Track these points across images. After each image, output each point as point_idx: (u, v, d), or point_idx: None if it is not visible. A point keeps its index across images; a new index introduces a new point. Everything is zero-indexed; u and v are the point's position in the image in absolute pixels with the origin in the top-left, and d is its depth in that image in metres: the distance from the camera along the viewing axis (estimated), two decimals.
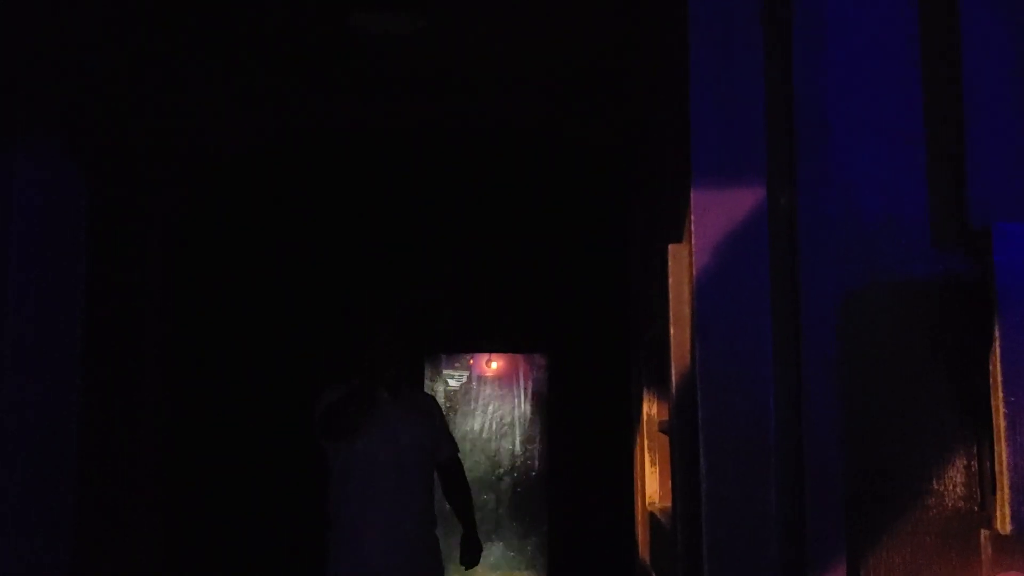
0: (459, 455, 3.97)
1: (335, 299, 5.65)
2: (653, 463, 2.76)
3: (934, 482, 1.86)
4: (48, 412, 2.36)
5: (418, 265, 6.02)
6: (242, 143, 3.85)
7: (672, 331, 2.04)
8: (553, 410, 7.33)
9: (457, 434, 9.67)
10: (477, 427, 9.82)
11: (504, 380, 10.39)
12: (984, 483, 1.85)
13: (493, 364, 10.45)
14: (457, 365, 10.29)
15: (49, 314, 2.40)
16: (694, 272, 1.92)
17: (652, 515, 2.70)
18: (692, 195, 1.93)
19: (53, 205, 2.43)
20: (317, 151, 5.11)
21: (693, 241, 1.91)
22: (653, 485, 2.75)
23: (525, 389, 10.16)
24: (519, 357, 9.91)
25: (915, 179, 1.94)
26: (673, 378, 2.04)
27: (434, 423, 3.91)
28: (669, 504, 2.62)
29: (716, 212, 1.92)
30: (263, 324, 5.49)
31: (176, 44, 3.26)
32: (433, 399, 4.19)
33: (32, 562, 2.24)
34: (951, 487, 1.86)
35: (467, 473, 4.07)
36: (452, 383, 10.19)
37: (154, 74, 3.16)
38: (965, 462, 1.87)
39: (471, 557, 3.87)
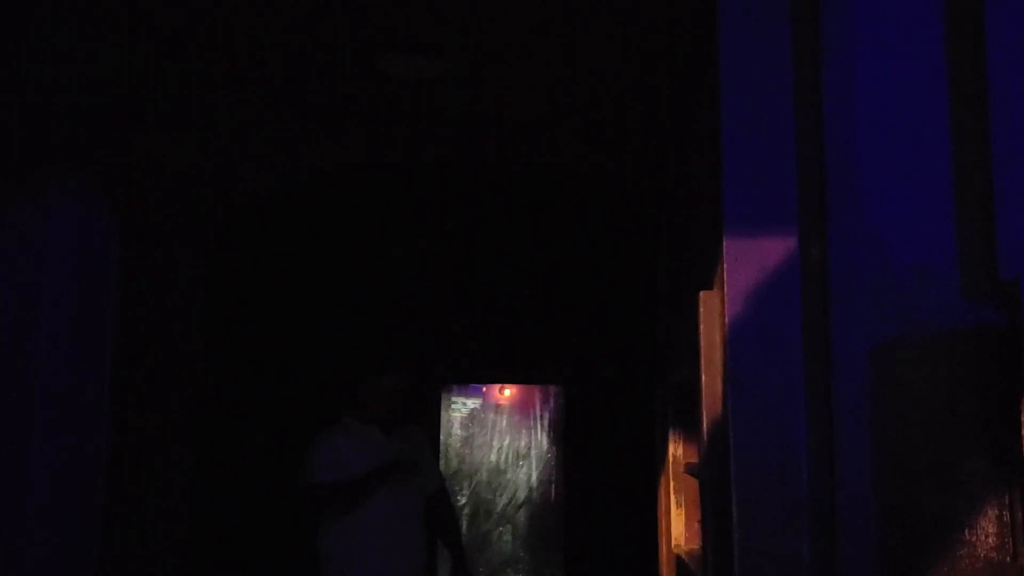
0: (446, 486, 4.01)
1: (357, 330, 5.69)
2: (679, 504, 2.76)
3: (966, 532, 1.86)
4: (76, 465, 2.41)
5: (439, 295, 6.07)
6: (265, 181, 3.91)
7: (703, 377, 2.06)
8: (570, 443, 7.31)
9: (471, 463, 9.65)
10: (493, 457, 9.81)
11: (519, 409, 10.39)
12: (1016, 533, 1.85)
13: (506, 392, 10.47)
14: (469, 391, 10.30)
15: (79, 361, 2.45)
16: (726, 320, 1.94)
17: (679, 558, 2.71)
18: (724, 244, 1.96)
19: (85, 248, 2.47)
20: (340, 188, 5.17)
21: (726, 289, 1.93)
22: (679, 527, 2.75)
23: (541, 419, 10.16)
24: (533, 386, 9.91)
25: (944, 230, 1.95)
26: (704, 424, 2.06)
27: (425, 456, 3.95)
28: (696, 547, 2.63)
29: (748, 261, 1.94)
30: (286, 352, 5.54)
31: (208, 85, 3.31)
32: (423, 431, 4.18)
33: (65, 556, 2.30)
34: (983, 537, 1.86)
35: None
36: (465, 408, 10.20)
37: (182, 115, 3.21)
38: (997, 512, 1.87)
39: None
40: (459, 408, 10.07)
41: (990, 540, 1.86)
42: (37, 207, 2.25)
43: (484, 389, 10.72)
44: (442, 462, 8.29)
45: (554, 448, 9.49)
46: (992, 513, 1.86)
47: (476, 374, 7.91)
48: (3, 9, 2.12)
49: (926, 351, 1.90)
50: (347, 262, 5.84)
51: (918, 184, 1.95)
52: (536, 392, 10.28)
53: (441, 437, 8.08)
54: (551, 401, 9.86)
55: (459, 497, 8.87)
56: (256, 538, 5.18)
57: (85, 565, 2.43)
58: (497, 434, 9.91)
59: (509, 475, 9.59)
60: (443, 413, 8.47)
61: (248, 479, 5.10)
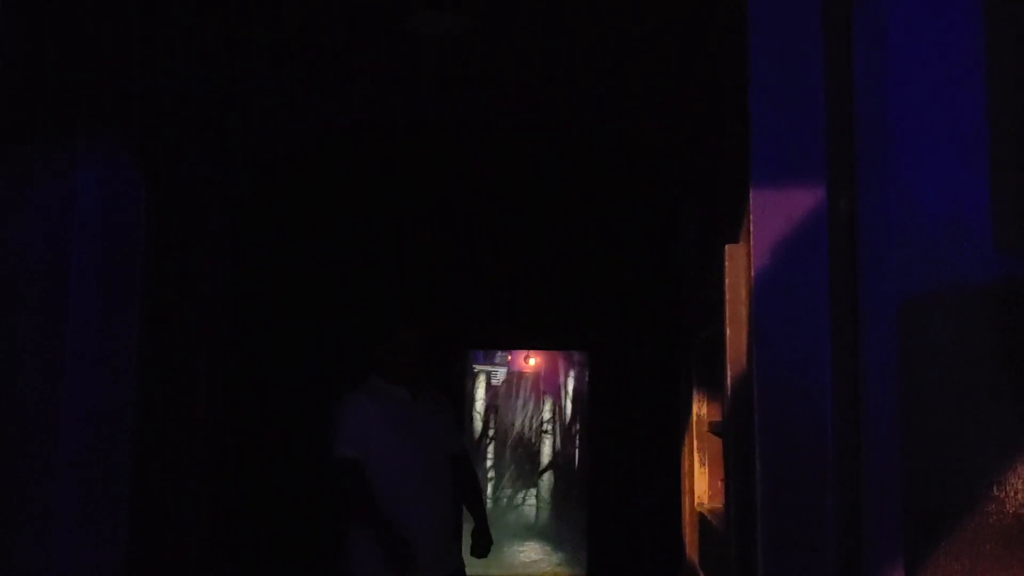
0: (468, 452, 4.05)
1: (380, 295, 5.69)
2: (703, 464, 2.74)
3: (995, 489, 1.83)
4: (106, 414, 2.40)
5: (462, 258, 6.05)
6: (289, 140, 3.89)
7: (728, 332, 2.03)
8: (594, 408, 7.31)
9: (497, 429, 9.67)
10: (518, 423, 9.84)
11: (543, 377, 10.41)
12: None
13: (531, 360, 10.50)
14: (496, 361, 10.35)
15: (108, 312, 2.44)
16: (752, 273, 1.91)
17: (702, 516, 2.69)
18: (751, 195, 1.92)
19: (113, 201, 2.47)
20: (361, 148, 5.15)
21: (752, 242, 1.90)
22: (702, 486, 2.74)
23: (565, 386, 10.17)
24: (558, 353, 9.92)
25: (977, 182, 1.91)
26: (728, 380, 2.03)
27: (448, 418, 3.99)
28: (719, 505, 2.62)
29: (775, 213, 1.90)
30: (311, 314, 5.54)
31: (233, 44, 3.29)
32: (444, 395, 4.21)
33: (91, 560, 2.31)
34: (1012, 494, 1.83)
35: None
36: (492, 377, 10.23)
37: (208, 72, 3.20)
38: None
39: (483, 548, 3.91)
40: (485, 377, 10.11)
41: (1019, 496, 1.83)
42: (65, 158, 2.24)
43: (509, 358, 10.76)
44: (467, 428, 8.32)
45: (578, 415, 9.49)
46: (1021, 470, 1.83)
47: (500, 340, 7.91)
48: None
49: (957, 305, 1.86)
50: (371, 225, 5.82)
51: (951, 135, 1.90)
52: (560, 361, 10.29)
53: (467, 403, 8.11)
54: (575, 369, 9.87)
55: (485, 461, 8.92)
56: (276, 496, 5.22)
57: (115, 521, 2.44)
58: (522, 401, 9.93)
59: (534, 441, 9.62)
60: (468, 381, 8.50)
61: (269, 437, 5.12)
